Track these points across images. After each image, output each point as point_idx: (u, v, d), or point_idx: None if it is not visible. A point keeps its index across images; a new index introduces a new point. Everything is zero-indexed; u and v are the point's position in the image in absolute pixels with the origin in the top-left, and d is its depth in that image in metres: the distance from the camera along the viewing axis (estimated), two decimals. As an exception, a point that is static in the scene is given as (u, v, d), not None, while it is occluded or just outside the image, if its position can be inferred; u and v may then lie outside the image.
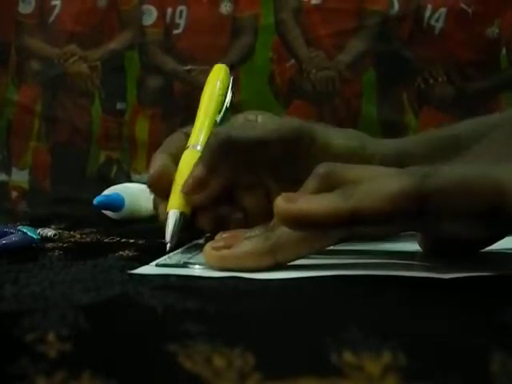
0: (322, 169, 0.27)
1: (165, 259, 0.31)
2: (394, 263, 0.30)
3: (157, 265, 0.30)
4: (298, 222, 0.25)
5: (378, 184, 0.24)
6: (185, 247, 0.35)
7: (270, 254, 0.27)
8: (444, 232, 0.26)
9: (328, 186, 0.26)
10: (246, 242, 0.28)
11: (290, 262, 0.28)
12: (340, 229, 0.26)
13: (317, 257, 0.30)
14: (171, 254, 0.33)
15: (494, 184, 0.23)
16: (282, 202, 0.25)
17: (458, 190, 0.23)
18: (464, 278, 0.25)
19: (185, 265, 0.30)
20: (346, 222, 0.24)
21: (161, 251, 0.33)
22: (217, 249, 0.28)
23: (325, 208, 0.24)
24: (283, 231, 0.27)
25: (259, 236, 0.28)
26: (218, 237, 0.30)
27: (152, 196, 0.38)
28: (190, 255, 0.32)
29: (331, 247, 0.28)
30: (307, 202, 0.25)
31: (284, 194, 0.25)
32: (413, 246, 0.32)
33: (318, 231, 0.26)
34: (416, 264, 0.30)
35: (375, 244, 0.35)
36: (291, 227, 0.25)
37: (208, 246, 0.28)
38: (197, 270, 0.29)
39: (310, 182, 0.27)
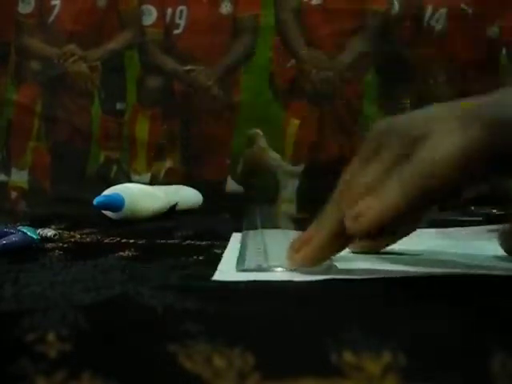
0: (373, 131, 0.26)
1: (243, 263, 0.29)
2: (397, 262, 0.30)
3: (238, 270, 0.28)
4: (374, 232, 0.24)
5: (437, 149, 0.22)
6: (252, 249, 0.34)
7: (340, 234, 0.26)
8: None
9: (379, 146, 0.25)
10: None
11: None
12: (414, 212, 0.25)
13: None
14: (243, 256, 0.31)
15: None
16: (350, 223, 0.24)
17: None
18: (464, 277, 0.25)
19: (267, 268, 0.28)
20: (417, 207, 0.23)
21: (161, 251, 0.33)
22: (297, 249, 0.27)
23: (386, 208, 0.23)
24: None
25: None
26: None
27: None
28: (263, 257, 0.31)
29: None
30: (370, 212, 0.24)
31: (347, 213, 0.24)
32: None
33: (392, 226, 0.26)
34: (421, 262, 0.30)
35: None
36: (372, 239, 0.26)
37: (289, 250, 0.28)
38: (278, 274, 0.27)
39: (364, 148, 0.26)
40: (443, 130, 0.23)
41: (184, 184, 0.69)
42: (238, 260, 0.30)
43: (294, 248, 0.27)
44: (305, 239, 0.27)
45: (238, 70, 0.77)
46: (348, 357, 0.15)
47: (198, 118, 0.77)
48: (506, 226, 0.29)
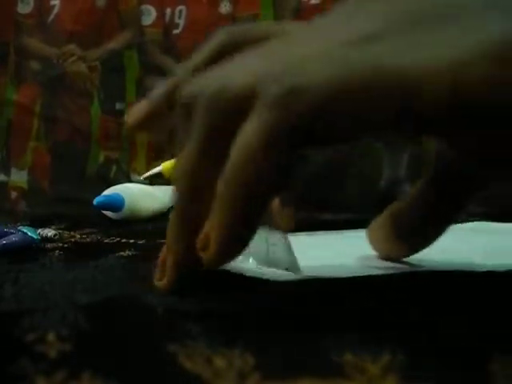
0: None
1: None
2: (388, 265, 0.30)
3: None
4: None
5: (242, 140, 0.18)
6: None
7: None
8: None
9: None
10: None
11: None
12: None
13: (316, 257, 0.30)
14: None
15: (398, 79, 0.16)
16: (201, 254, 0.20)
17: (343, 98, 0.17)
18: (463, 277, 0.25)
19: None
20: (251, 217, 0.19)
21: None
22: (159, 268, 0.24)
23: (223, 235, 0.19)
24: None
25: None
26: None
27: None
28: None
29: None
30: (212, 242, 0.19)
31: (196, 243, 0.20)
32: None
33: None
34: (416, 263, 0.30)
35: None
36: None
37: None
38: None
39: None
40: (257, 109, 0.18)
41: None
42: None
43: (158, 265, 0.24)
44: (161, 260, 0.24)
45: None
46: (348, 357, 0.15)
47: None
48: (380, 219, 0.25)
